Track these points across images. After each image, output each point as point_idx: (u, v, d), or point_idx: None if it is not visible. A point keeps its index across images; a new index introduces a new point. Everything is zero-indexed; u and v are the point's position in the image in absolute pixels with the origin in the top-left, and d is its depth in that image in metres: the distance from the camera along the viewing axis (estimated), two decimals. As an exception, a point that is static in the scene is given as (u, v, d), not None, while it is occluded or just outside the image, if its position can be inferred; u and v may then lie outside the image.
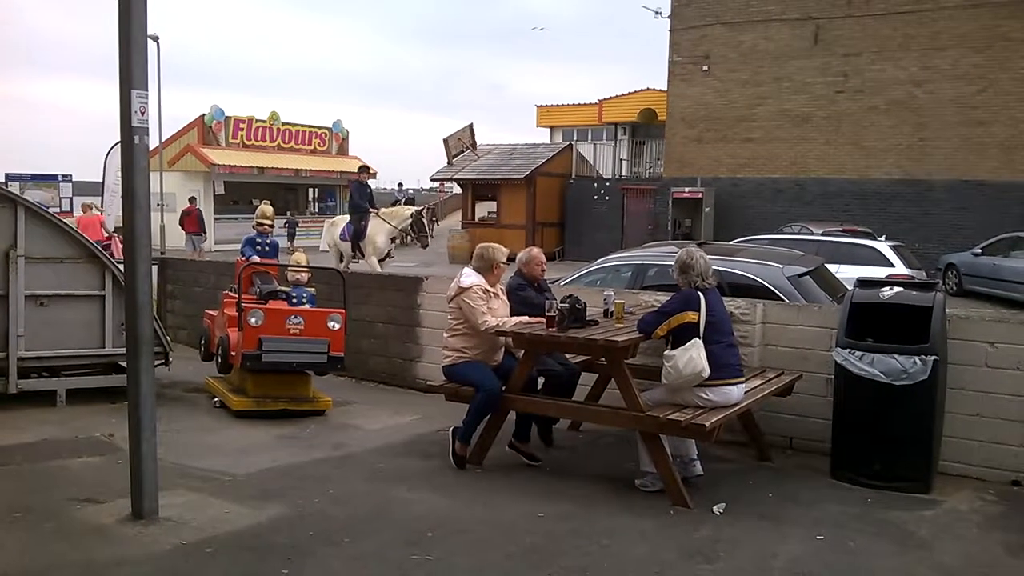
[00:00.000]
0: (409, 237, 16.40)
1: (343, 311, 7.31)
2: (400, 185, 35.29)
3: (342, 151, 33.81)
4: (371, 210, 14.54)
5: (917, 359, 5.22)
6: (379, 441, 6.42)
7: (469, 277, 5.86)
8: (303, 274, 7.96)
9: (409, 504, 5.01)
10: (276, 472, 5.61)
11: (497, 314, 5.83)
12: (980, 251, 17.56)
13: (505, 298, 6.05)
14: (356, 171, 15.61)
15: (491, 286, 5.89)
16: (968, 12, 20.35)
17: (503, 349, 5.98)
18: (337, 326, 7.18)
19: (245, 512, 4.80)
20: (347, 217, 15.36)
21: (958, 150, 20.79)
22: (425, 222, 14.82)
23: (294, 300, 7.62)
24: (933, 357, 5.23)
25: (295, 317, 7.11)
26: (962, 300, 16.58)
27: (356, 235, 14.64)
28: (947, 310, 5.64)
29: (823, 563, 4.30)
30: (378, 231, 14.59)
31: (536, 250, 6.41)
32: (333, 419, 7.18)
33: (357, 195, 14.79)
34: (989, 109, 20.35)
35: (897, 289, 5.74)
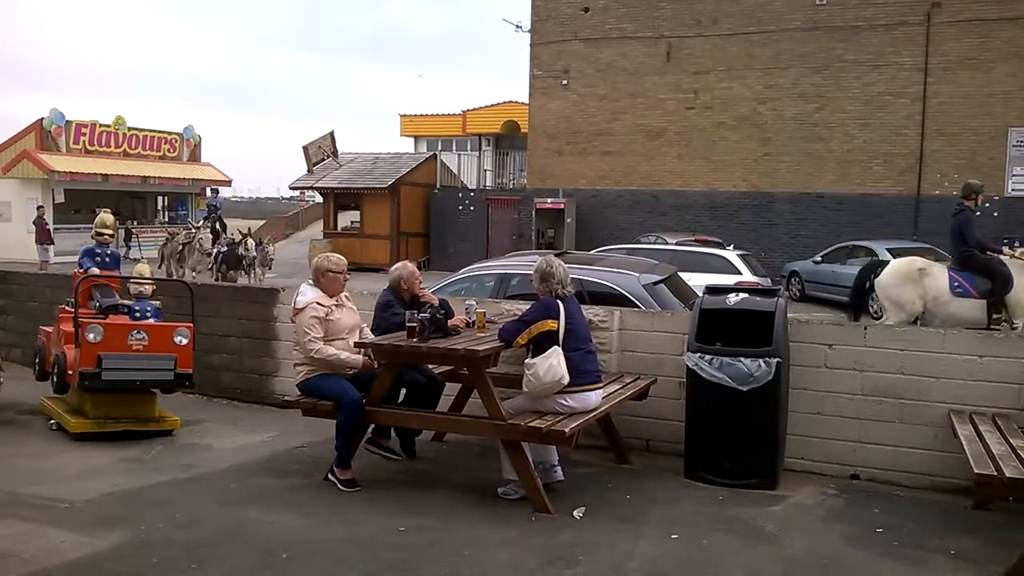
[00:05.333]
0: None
1: (191, 325, 6.97)
2: (215, 192, 30.01)
3: (194, 157, 32.47)
4: (998, 252, 9.43)
5: (762, 361, 5.47)
6: (232, 461, 6.14)
7: (305, 295, 5.68)
8: (146, 286, 7.54)
9: (263, 525, 4.79)
10: (118, 497, 5.26)
11: (342, 324, 5.70)
12: (820, 259, 18.75)
13: (352, 305, 5.92)
14: (962, 194, 9.49)
15: (331, 296, 5.72)
16: (807, 34, 21.73)
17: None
18: (184, 341, 6.84)
19: (83, 541, 4.48)
20: (918, 261, 9.84)
21: (799, 164, 22.13)
22: None
23: (137, 314, 7.21)
24: (776, 359, 5.49)
25: (138, 332, 6.72)
26: (805, 305, 17.62)
27: (996, 287, 9.11)
28: (789, 314, 5.95)
29: (677, 562, 4.41)
30: None
31: (411, 265, 6.28)
32: (182, 439, 6.82)
33: (971, 228, 9.31)
34: (827, 126, 21.78)
35: (743, 295, 6.00)
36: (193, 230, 20.17)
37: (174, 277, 16.22)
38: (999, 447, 4.82)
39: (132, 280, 7.66)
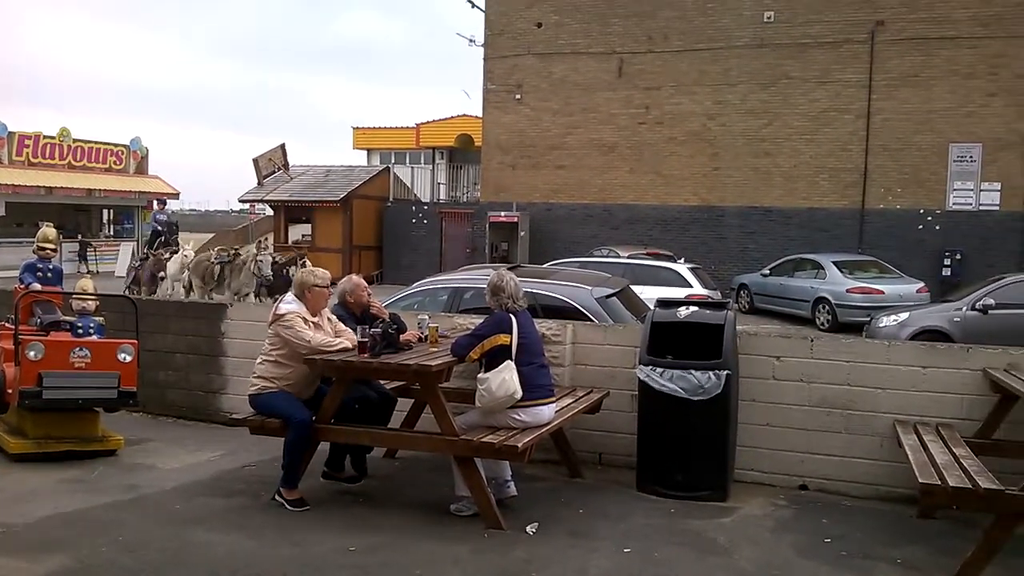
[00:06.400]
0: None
1: (135, 341, 6.81)
2: (163, 203, 26.35)
3: (141, 170, 31.86)
4: None
5: (712, 374, 5.52)
6: (177, 481, 6.00)
7: (288, 304, 5.54)
8: (89, 302, 7.34)
9: (209, 547, 4.69)
10: (59, 520, 5.11)
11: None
12: (768, 272, 19.07)
13: (330, 329, 5.69)
14: None
15: (312, 314, 5.56)
16: (755, 51, 22.14)
17: (318, 383, 5.71)
18: (128, 358, 6.68)
19: (21, 566, 4.36)
20: None
21: (748, 179, 22.49)
22: None
23: (79, 331, 7.00)
24: (726, 372, 5.54)
25: (80, 349, 6.54)
26: (754, 317, 17.88)
27: None
28: (738, 327, 6.01)
29: (631, 576, 4.42)
30: None
31: (356, 277, 6.20)
32: (125, 459, 6.64)
33: None
34: (774, 141, 22.18)
35: (693, 308, 6.07)
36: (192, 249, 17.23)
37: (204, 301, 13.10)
38: (943, 456, 4.92)
39: (75, 296, 7.46)
